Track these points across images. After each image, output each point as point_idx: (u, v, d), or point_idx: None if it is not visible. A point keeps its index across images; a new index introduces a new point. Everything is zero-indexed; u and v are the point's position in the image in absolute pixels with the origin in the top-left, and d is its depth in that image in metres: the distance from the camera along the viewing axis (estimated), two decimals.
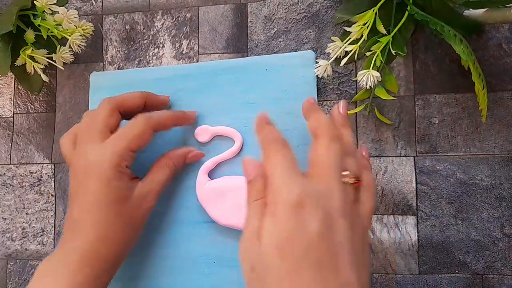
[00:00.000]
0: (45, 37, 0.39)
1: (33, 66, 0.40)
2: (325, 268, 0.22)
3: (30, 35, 0.40)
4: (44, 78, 0.40)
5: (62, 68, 0.41)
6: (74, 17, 0.39)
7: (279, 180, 0.25)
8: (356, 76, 0.36)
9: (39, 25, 0.39)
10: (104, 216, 0.31)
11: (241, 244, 0.26)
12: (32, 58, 0.40)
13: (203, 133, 0.38)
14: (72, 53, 0.41)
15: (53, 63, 0.40)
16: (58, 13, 0.39)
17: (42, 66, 0.40)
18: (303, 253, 0.23)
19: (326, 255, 0.23)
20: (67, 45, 0.40)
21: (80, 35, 0.40)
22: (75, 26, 0.40)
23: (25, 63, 0.40)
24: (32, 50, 0.39)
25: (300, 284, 0.22)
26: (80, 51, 0.40)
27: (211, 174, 0.39)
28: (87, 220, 0.31)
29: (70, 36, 0.39)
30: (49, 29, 0.39)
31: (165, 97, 0.39)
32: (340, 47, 0.35)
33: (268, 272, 0.23)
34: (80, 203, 0.32)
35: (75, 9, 0.42)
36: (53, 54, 0.40)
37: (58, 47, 0.40)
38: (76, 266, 0.30)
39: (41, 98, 0.45)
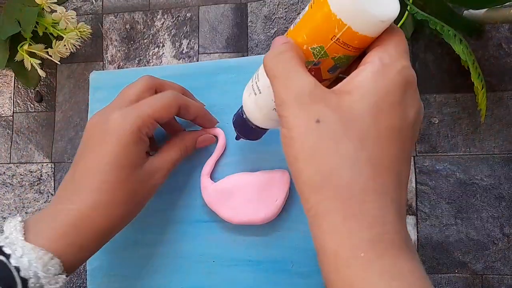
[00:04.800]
0: (40, 34, 0.40)
1: (30, 61, 0.40)
2: (407, 151, 0.21)
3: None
4: (41, 73, 0.40)
5: (58, 63, 0.41)
6: (72, 17, 0.39)
7: (395, 51, 0.21)
8: None
9: (37, 22, 0.39)
10: (112, 179, 0.29)
11: (295, 94, 0.21)
12: (30, 53, 0.40)
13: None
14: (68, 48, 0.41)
15: (50, 57, 0.40)
16: (57, 12, 0.39)
17: (39, 61, 0.40)
18: (397, 128, 0.20)
19: (408, 143, 0.21)
20: (62, 42, 0.40)
21: (76, 35, 0.40)
22: (72, 27, 0.40)
23: (23, 59, 0.40)
24: (30, 45, 0.40)
25: (384, 149, 0.20)
26: (75, 50, 0.40)
27: (213, 176, 0.38)
28: (92, 182, 0.29)
29: (65, 35, 0.39)
30: (46, 27, 0.39)
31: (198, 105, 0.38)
32: None
33: (347, 127, 0.20)
34: (87, 163, 0.29)
35: (74, 8, 0.42)
36: (49, 49, 0.40)
37: (54, 41, 0.40)
38: (63, 231, 0.27)
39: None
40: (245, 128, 0.31)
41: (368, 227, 0.19)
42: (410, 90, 0.21)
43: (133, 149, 0.30)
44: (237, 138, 0.35)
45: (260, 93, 0.27)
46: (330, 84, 0.25)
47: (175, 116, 0.35)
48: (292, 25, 0.24)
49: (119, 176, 0.29)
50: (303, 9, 0.23)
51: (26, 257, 0.25)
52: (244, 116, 0.30)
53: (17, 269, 0.25)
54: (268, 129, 0.31)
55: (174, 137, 0.36)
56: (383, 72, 0.20)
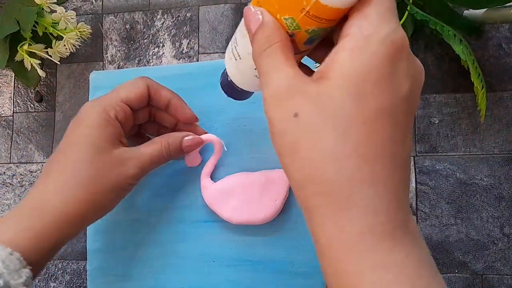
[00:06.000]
0: (40, 34, 0.40)
1: (30, 61, 0.40)
2: (403, 129, 0.19)
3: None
4: (41, 73, 0.40)
5: (58, 63, 0.41)
6: (72, 17, 0.39)
7: (376, 15, 0.18)
8: None
9: (36, 22, 0.39)
10: (74, 159, 0.29)
11: (272, 91, 0.20)
12: (30, 53, 0.40)
13: (193, 156, 0.38)
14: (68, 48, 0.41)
15: (50, 57, 0.40)
16: (56, 12, 0.39)
17: (39, 61, 0.40)
18: (387, 107, 0.18)
19: (404, 119, 0.19)
20: (62, 42, 0.40)
21: (76, 35, 0.40)
22: (72, 27, 0.40)
23: (23, 59, 0.40)
24: (29, 45, 0.40)
25: (372, 135, 0.18)
26: (75, 50, 0.40)
27: (213, 176, 0.38)
28: (56, 166, 0.29)
29: (65, 35, 0.39)
30: (46, 27, 0.39)
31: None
32: None
33: (327, 118, 0.18)
34: (57, 150, 0.30)
35: (74, 8, 0.42)
36: (49, 49, 0.40)
37: (54, 41, 0.40)
38: (26, 224, 0.27)
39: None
40: (231, 90, 0.30)
41: (357, 220, 0.18)
42: (401, 56, 0.18)
43: (99, 130, 0.30)
44: (228, 95, 0.33)
45: (240, 58, 0.25)
46: (315, 48, 0.23)
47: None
48: None
49: (81, 156, 0.29)
50: None
51: None
52: (229, 79, 0.29)
53: None
54: (253, 92, 0.30)
55: (159, 136, 0.34)
56: (363, 46, 0.18)
